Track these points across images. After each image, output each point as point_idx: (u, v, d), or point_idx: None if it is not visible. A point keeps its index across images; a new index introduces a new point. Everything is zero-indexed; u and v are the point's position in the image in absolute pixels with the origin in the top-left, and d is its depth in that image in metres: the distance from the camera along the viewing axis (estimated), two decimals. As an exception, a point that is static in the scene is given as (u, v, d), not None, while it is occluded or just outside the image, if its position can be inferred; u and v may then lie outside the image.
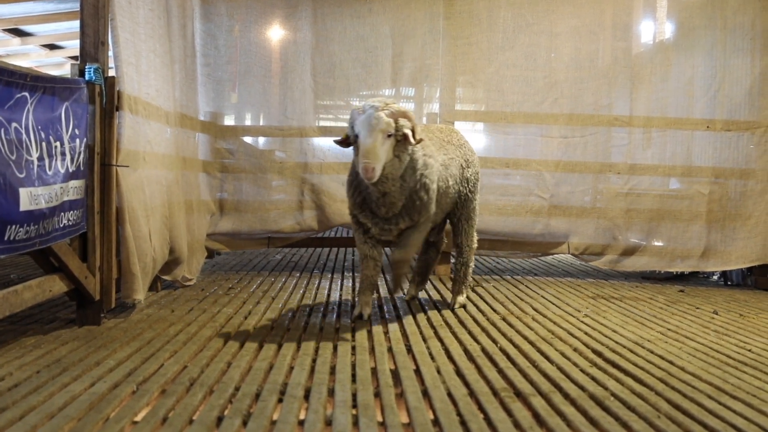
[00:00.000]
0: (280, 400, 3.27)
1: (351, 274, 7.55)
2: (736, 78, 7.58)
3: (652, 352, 4.40)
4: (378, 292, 6.32)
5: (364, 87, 8.21)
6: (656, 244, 7.79)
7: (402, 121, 4.72)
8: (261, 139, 8.22)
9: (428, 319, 5.26)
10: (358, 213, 5.19)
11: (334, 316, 5.30)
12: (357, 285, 6.00)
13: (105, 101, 4.78)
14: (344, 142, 4.93)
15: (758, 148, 7.53)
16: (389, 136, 4.67)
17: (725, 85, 7.60)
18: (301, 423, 2.97)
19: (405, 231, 5.23)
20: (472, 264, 5.86)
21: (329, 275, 7.42)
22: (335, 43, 7.78)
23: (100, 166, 4.75)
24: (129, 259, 4.91)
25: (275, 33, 7.87)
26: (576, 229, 7.77)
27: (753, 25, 7.50)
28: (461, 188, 5.68)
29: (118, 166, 4.85)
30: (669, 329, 5.17)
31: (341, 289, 6.50)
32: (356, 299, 5.43)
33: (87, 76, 4.66)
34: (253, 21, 7.73)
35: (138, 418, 2.98)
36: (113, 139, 4.83)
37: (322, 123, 8.11)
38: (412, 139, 4.74)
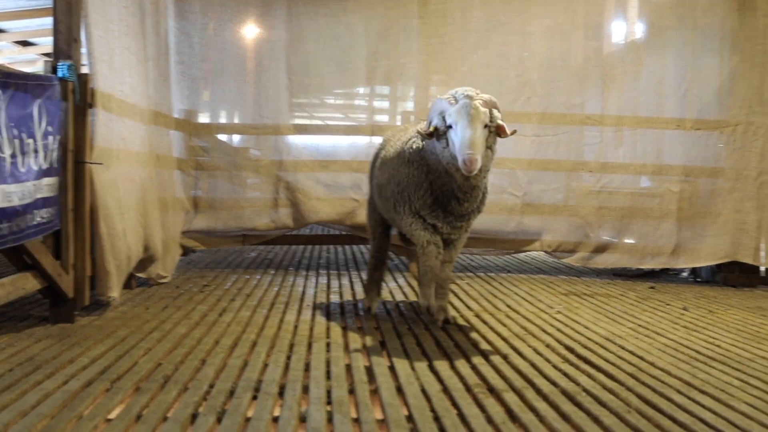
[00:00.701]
0: (254, 397, 3.25)
1: (326, 271, 7.53)
2: (706, 78, 7.64)
3: (623, 348, 4.43)
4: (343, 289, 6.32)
5: (339, 85, 8.21)
6: (627, 241, 7.83)
7: (495, 112, 4.55)
8: (236, 137, 8.18)
9: (402, 316, 5.26)
10: (427, 214, 4.83)
11: (309, 313, 5.28)
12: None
13: (78, 98, 4.73)
14: (431, 134, 4.61)
15: (727, 147, 7.60)
16: (485, 126, 4.45)
17: (695, 84, 7.66)
18: (275, 419, 2.96)
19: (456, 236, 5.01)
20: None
21: (304, 273, 7.40)
22: (310, 41, 7.75)
23: (73, 163, 4.71)
24: (103, 257, 4.87)
25: (250, 31, 7.83)
26: (549, 226, 7.80)
27: (722, 25, 7.56)
28: None
29: (91, 163, 4.81)
30: (640, 325, 5.21)
31: (316, 287, 6.48)
32: (422, 296, 4.91)
33: (60, 73, 4.62)
34: (227, 19, 7.68)
35: (112, 416, 2.95)
36: (87, 136, 4.79)
37: (297, 121, 8.07)
38: (506, 131, 4.55)
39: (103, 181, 4.91)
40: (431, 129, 4.60)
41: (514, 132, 4.61)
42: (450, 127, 4.47)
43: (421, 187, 4.81)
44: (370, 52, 7.78)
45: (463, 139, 4.33)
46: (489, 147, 4.56)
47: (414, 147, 4.88)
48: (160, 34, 6.65)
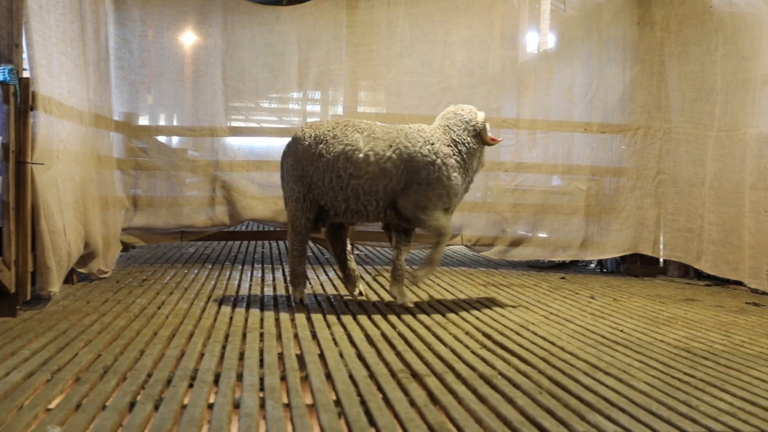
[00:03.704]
0: (191, 385, 3.21)
1: (260, 265, 7.47)
2: (610, 85, 7.82)
3: (535, 334, 4.50)
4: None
5: (273, 90, 8.16)
6: (541, 235, 7.96)
7: None
8: (175, 139, 8.08)
9: (333, 307, 5.25)
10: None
11: (244, 305, 5.23)
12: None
13: (19, 101, 4.60)
14: None
15: (629, 149, 7.78)
16: None
17: (600, 91, 7.83)
18: (210, 406, 2.93)
19: None
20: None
21: (240, 267, 7.32)
22: (245, 49, 7.68)
23: (15, 163, 4.58)
24: (44, 253, 4.75)
25: (187, 38, 7.73)
26: (468, 222, 7.87)
27: (624, 37, 7.74)
28: None
29: (32, 163, 4.68)
30: (551, 313, 5.29)
31: (251, 280, 6.42)
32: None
33: (1, 77, 4.49)
34: (165, 27, 7.57)
35: (52, 406, 2.88)
36: (28, 137, 4.66)
37: (233, 123, 8.00)
38: None
39: (44, 180, 4.79)
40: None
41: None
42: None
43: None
44: (301, 59, 7.75)
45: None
46: None
47: None
48: (101, 40, 6.51)
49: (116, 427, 2.68)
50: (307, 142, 5.28)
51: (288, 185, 5.39)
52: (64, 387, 3.14)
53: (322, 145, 5.19)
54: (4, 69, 4.51)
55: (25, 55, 4.75)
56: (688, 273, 7.68)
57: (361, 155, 5.08)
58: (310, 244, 6.70)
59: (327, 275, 6.83)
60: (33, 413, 2.76)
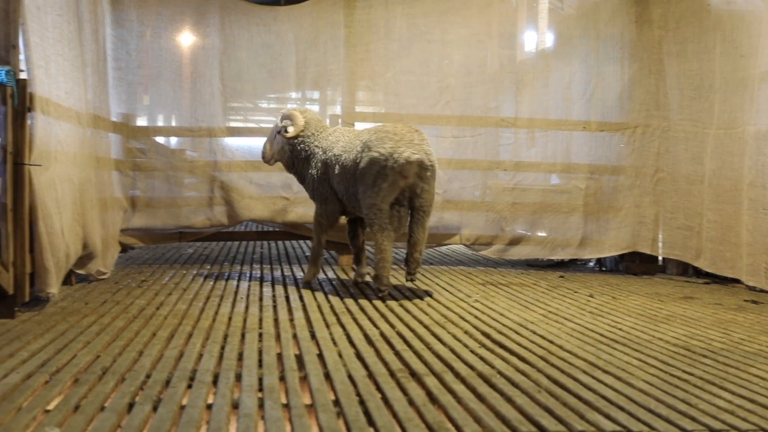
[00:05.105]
0: (189, 386, 3.21)
1: (259, 266, 7.47)
2: (608, 83, 7.82)
3: (534, 333, 4.50)
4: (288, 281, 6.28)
5: (271, 91, 8.16)
6: (539, 234, 7.97)
7: (286, 121, 5.99)
8: (173, 139, 8.07)
9: (331, 307, 5.25)
10: None
11: (243, 305, 5.23)
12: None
13: (17, 102, 4.60)
14: None
15: (627, 147, 7.78)
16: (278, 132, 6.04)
17: (599, 90, 7.83)
18: (209, 407, 2.93)
19: None
20: (378, 253, 5.60)
21: (238, 267, 7.32)
22: (243, 49, 7.67)
23: (12, 165, 4.58)
24: (42, 255, 4.74)
25: (185, 39, 7.72)
26: (467, 221, 7.87)
27: (622, 36, 7.74)
28: (351, 179, 5.77)
29: (30, 165, 4.68)
30: (550, 311, 5.30)
31: (249, 280, 6.42)
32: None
33: (-2, 79, 4.49)
34: (163, 27, 7.56)
35: (50, 407, 2.87)
36: (26, 139, 4.65)
37: (232, 124, 7.99)
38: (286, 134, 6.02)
39: (42, 182, 4.78)
40: None
41: (285, 136, 6.10)
42: None
43: None
44: (299, 60, 7.74)
45: None
46: (282, 147, 6.20)
47: None
48: (98, 41, 6.50)
49: (115, 428, 2.68)
50: None
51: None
52: (63, 388, 3.13)
53: None
54: (0, 70, 4.51)
55: (21, 57, 4.74)
56: (686, 271, 7.68)
57: None
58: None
59: (325, 275, 6.83)
60: (31, 415, 2.76)
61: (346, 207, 6.09)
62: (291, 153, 6.21)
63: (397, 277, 6.75)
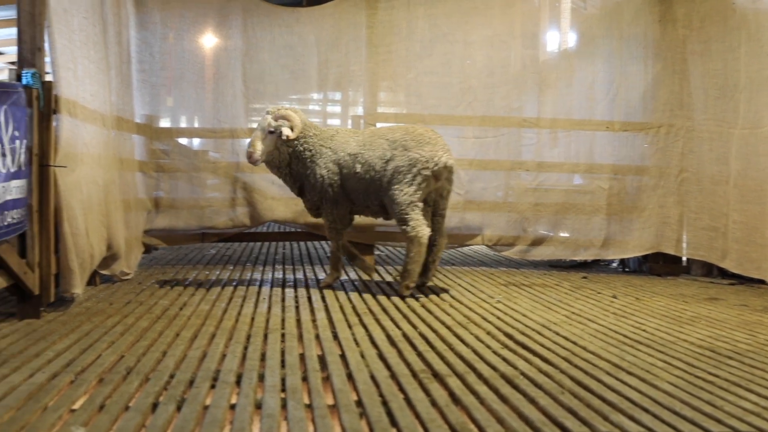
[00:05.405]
0: (213, 386, 3.23)
1: (281, 266, 7.50)
2: (632, 83, 7.77)
3: (557, 334, 4.48)
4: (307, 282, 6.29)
5: (293, 92, 8.18)
6: (562, 235, 7.92)
7: (282, 122, 5.80)
8: (195, 141, 8.12)
9: (353, 308, 5.26)
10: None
11: (265, 306, 5.25)
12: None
13: (42, 104, 4.65)
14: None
15: (651, 147, 7.73)
16: (270, 132, 5.84)
17: (622, 89, 7.78)
18: (232, 407, 2.94)
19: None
20: (411, 253, 5.73)
21: (261, 268, 7.35)
22: (265, 51, 7.70)
23: (38, 166, 4.63)
24: (67, 256, 4.79)
25: (208, 41, 7.76)
26: (489, 222, 7.85)
27: (645, 35, 7.68)
28: (380, 178, 5.84)
29: (55, 166, 4.73)
30: (573, 312, 5.27)
31: (272, 281, 6.45)
32: None
33: (24, 81, 4.54)
34: (186, 29, 7.60)
35: (76, 406, 2.90)
36: (51, 140, 4.71)
37: (254, 125, 8.01)
38: (286, 136, 5.80)
39: (67, 183, 4.83)
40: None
41: (293, 138, 5.87)
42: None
43: None
44: (321, 61, 7.76)
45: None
46: (277, 148, 5.92)
47: None
48: (122, 43, 6.55)
49: (139, 428, 2.70)
50: None
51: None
52: (88, 388, 3.16)
53: None
54: (26, 73, 4.56)
55: (47, 59, 4.79)
56: (711, 272, 7.60)
57: None
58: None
59: (347, 275, 6.84)
60: (57, 414, 2.79)
61: (354, 207, 6.15)
62: (290, 154, 5.97)
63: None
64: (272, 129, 5.85)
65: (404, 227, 5.72)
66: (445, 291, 6.08)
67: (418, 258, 5.72)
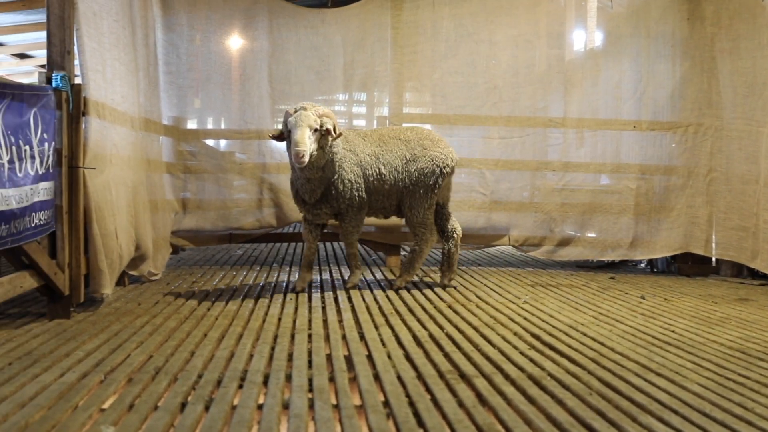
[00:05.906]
0: (240, 386, 3.24)
1: (308, 267, 7.51)
2: (659, 82, 7.71)
3: (585, 335, 4.46)
4: (331, 282, 6.30)
5: (318, 92, 8.19)
6: (589, 235, 7.88)
7: (325, 119, 5.39)
8: (222, 142, 8.17)
9: (380, 308, 5.26)
10: (296, 204, 6.05)
11: (292, 306, 5.27)
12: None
13: (72, 107, 4.70)
14: (277, 137, 5.63)
15: (679, 146, 7.66)
16: (315, 130, 5.36)
17: (649, 88, 7.72)
18: (260, 407, 2.95)
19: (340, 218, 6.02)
20: (423, 253, 6.11)
21: (287, 268, 7.38)
22: (290, 52, 7.74)
23: (68, 168, 4.68)
24: (96, 256, 4.84)
25: (234, 42, 7.80)
26: (515, 222, 7.83)
27: (673, 33, 7.62)
28: (403, 179, 5.98)
29: (85, 168, 4.78)
30: (601, 313, 5.24)
31: (299, 281, 6.46)
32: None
33: (53, 83, 4.59)
34: (212, 31, 7.65)
35: (105, 406, 2.93)
36: (80, 142, 4.76)
37: (280, 126, 8.04)
38: (333, 133, 5.46)
39: (96, 184, 4.88)
40: (276, 132, 5.63)
41: (340, 134, 5.53)
42: (290, 131, 5.36)
43: (293, 184, 5.94)
44: (347, 61, 7.79)
45: (294, 138, 5.25)
46: (321, 147, 5.45)
47: None
48: (149, 45, 6.61)
49: (168, 428, 2.72)
50: None
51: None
52: (117, 387, 3.19)
53: None
54: (56, 76, 4.61)
55: (76, 62, 4.84)
56: (741, 272, 7.52)
57: None
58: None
59: (374, 276, 6.84)
60: (87, 413, 2.82)
61: (368, 210, 6.18)
62: (327, 155, 5.57)
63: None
64: (318, 126, 5.35)
65: (422, 229, 5.99)
66: (474, 293, 6.06)
67: (422, 256, 6.10)
